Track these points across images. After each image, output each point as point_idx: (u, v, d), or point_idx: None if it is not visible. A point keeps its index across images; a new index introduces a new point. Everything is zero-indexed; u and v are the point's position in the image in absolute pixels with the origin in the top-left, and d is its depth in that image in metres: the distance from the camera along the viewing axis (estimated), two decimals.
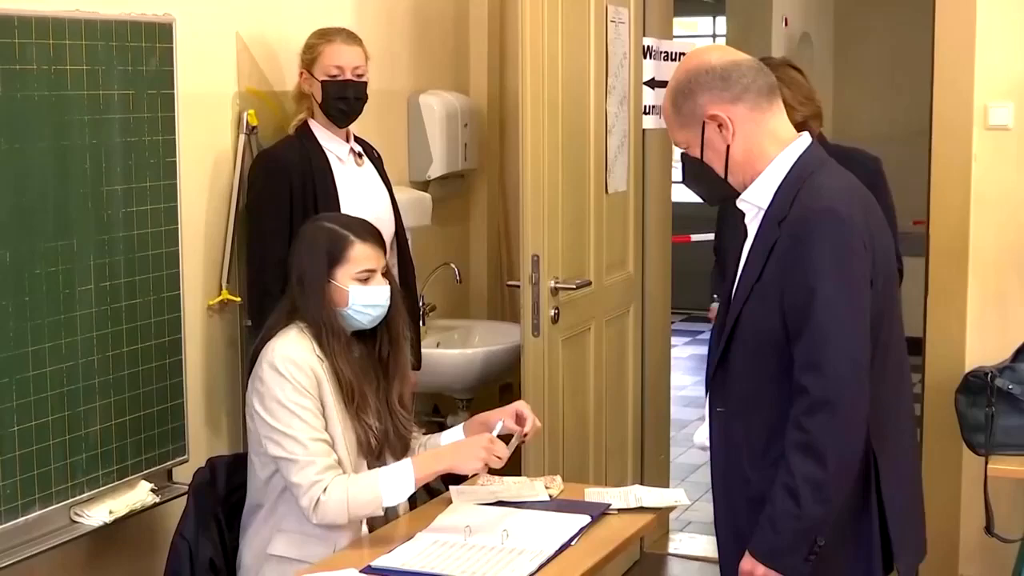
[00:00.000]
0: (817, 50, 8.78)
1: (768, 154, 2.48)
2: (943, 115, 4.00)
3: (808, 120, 3.41)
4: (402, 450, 2.98)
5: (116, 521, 3.10)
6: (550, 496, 3.00)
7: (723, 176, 2.51)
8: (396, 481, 2.76)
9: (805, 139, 2.53)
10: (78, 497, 3.02)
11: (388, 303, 2.88)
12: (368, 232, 2.90)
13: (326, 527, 2.77)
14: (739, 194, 2.55)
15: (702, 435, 2.78)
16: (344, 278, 2.84)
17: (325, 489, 2.71)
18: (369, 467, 2.88)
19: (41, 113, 2.88)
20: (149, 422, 3.20)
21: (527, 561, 2.59)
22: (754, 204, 2.51)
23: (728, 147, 2.49)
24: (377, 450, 2.92)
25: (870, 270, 2.39)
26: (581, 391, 4.16)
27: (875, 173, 3.54)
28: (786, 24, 8.37)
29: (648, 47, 4.57)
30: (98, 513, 3.06)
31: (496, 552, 2.65)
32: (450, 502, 2.97)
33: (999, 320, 3.65)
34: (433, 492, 3.84)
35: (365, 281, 2.85)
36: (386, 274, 2.91)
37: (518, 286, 3.88)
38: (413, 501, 3.95)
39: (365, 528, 2.92)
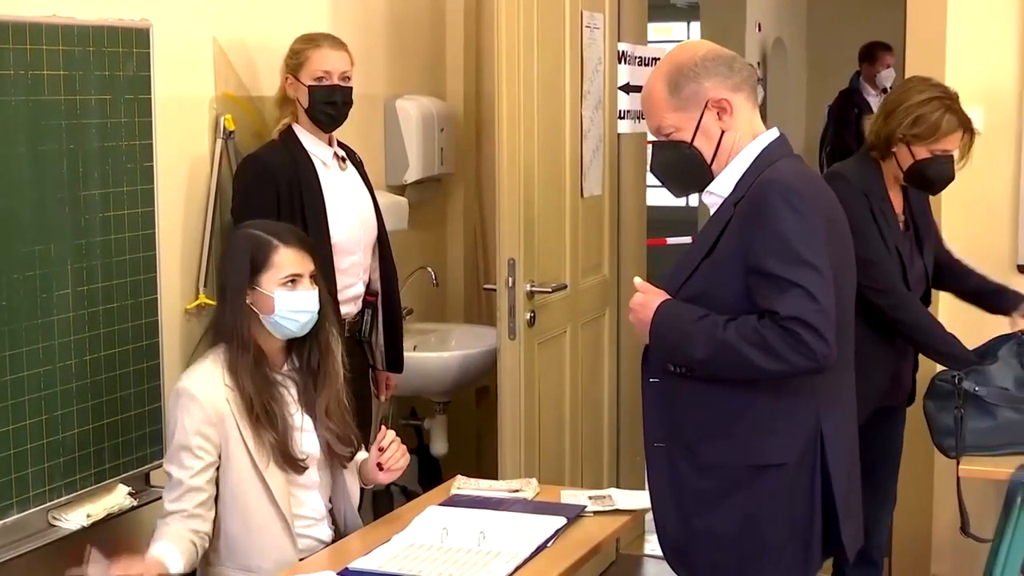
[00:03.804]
0: (790, 55, 8.84)
1: (742, 145, 2.53)
2: None
3: None
4: (348, 457, 2.93)
5: (94, 524, 3.09)
6: (526, 498, 3.02)
7: (708, 162, 2.53)
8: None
9: (773, 132, 2.58)
10: (55, 501, 3.02)
11: (317, 309, 2.83)
12: (294, 236, 2.86)
13: (242, 565, 2.79)
14: (703, 187, 2.57)
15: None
16: (270, 284, 2.79)
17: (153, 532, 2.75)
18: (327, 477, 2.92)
19: (18, 118, 2.87)
20: (126, 426, 3.20)
21: (503, 563, 2.61)
22: (718, 195, 2.55)
23: (723, 133, 2.51)
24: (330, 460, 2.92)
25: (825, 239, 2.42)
26: (557, 394, 4.18)
27: None
28: (759, 29, 8.43)
29: (623, 52, 4.60)
30: (76, 517, 3.06)
31: (472, 554, 2.67)
32: (427, 504, 2.99)
33: (967, 324, 3.66)
34: (410, 495, 3.86)
35: (292, 286, 2.80)
36: (314, 280, 2.84)
37: (494, 290, 3.89)
38: (390, 505, 3.97)
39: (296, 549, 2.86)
